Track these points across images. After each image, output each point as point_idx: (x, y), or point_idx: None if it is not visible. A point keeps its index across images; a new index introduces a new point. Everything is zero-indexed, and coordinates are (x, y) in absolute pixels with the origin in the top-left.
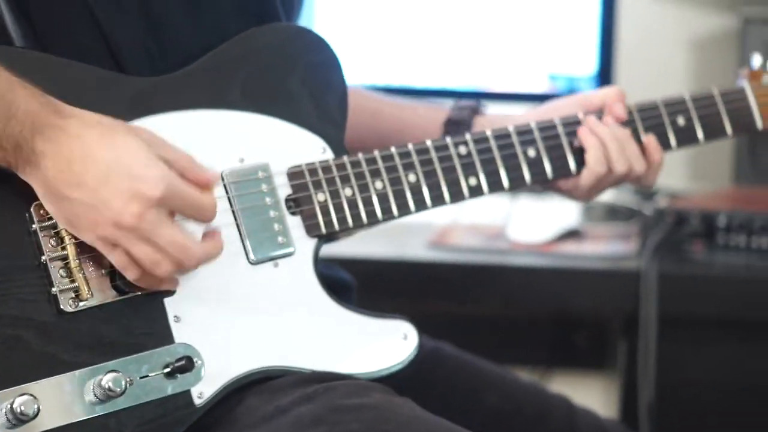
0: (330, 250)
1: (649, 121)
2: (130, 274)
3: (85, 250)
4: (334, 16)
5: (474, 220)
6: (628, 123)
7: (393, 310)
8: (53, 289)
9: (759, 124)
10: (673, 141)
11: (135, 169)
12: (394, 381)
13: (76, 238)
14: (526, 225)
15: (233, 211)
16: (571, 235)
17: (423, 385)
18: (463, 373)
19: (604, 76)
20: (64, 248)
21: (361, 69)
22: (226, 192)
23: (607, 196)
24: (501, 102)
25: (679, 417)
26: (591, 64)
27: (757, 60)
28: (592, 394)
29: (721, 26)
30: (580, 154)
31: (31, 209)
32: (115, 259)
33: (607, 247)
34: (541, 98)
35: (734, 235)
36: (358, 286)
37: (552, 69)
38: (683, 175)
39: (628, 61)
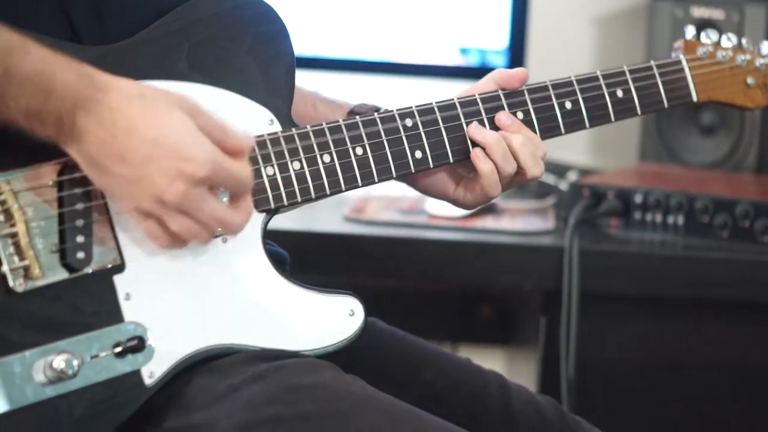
0: None
1: (588, 92)
2: (160, 243)
3: (35, 227)
4: None
5: (389, 192)
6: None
7: (309, 283)
8: (2, 268)
9: (695, 96)
10: (612, 113)
11: (181, 148)
12: (334, 358)
13: (26, 215)
14: None
15: None
16: (488, 210)
17: (358, 359)
18: (398, 348)
19: (515, 50)
20: (13, 225)
21: None
22: None
23: None
24: (412, 75)
25: (598, 393)
26: (503, 39)
27: (690, 31)
28: (503, 369)
29: (630, 3)
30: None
31: None
32: (148, 228)
33: (525, 223)
34: (451, 71)
35: (650, 212)
36: None
37: (463, 42)
38: (590, 151)
39: (538, 36)
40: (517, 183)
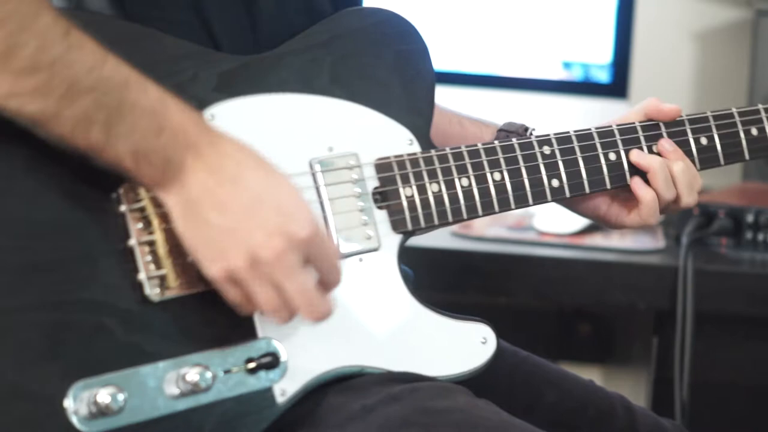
0: None
1: (723, 129)
2: (244, 312)
3: (174, 237)
4: None
5: None
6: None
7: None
8: (139, 276)
9: None
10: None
11: (286, 206)
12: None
13: (167, 223)
14: (553, 216)
15: (320, 203)
16: (596, 227)
17: (485, 381)
18: (522, 368)
19: (619, 64)
20: (152, 233)
21: None
22: (314, 182)
23: None
24: (515, 88)
25: (710, 415)
26: (607, 53)
27: None
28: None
29: (734, 18)
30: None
31: (120, 190)
32: (233, 296)
33: (634, 241)
34: (554, 85)
35: (762, 231)
36: None
37: (567, 56)
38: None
39: (642, 50)
40: (671, 211)
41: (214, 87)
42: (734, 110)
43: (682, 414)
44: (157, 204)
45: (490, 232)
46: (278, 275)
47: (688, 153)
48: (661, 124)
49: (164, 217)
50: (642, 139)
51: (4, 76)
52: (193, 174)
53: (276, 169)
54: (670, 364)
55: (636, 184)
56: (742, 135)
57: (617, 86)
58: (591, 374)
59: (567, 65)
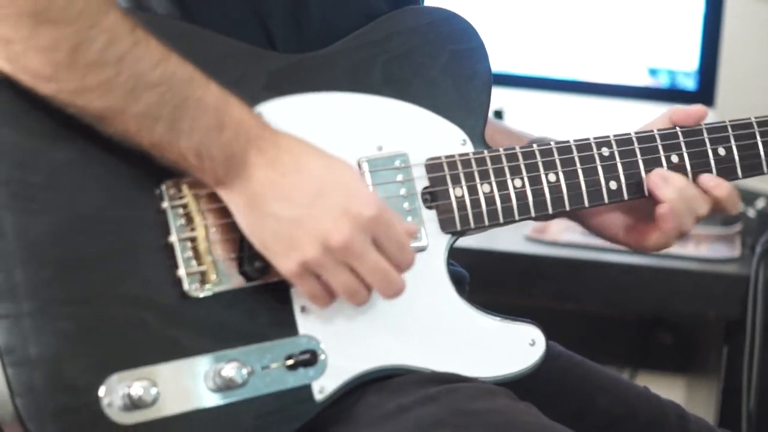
0: None
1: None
2: (320, 303)
3: (215, 233)
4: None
5: None
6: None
7: (486, 303)
8: (179, 271)
9: None
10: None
11: (349, 187)
12: (512, 382)
13: (206, 220)
14: None
15: None
16: None
17: (535, 384)
18: (575, 373)
19: (706, 72)
20: (193, 229)
21: None
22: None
23: None
24: (600, 94)
25: None
26: (693, 60)
27: None
28: (682, 398)
29: None
30: (727, 162)
31: (162, 187)
32: (310, 288)
33: (710, 249)
34: (640, 92)
35: None
36: None
37: (653, 62)
38: None
39: (730, 59)
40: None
41: (263, 86)
42: (753, 119)
43: (749, 424)
44: (200, 201)
45: (564, 236)
46: (351, 257)
47: (705, 164)
48: (679, 133)
49: (205, 214)
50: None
51: (73, 73)
52: (256, 169)
53: (334, 156)
54: (738, 374)
55: (661, 217)
56: (760, 147)
57: (704, 94)
58: (674, 385)
59: (653, 72)
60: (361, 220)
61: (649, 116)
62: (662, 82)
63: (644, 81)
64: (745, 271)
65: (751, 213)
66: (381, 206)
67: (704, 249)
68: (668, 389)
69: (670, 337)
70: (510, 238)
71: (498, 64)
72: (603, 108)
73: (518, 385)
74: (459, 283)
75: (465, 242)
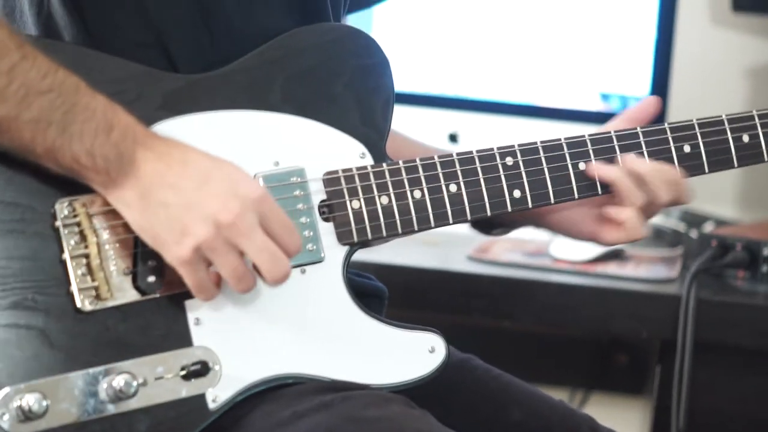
0: (368, 256)
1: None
2: (207, 294)
3: (108, 249)
4: (391, 28)
5: (519, 235)
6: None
7: (430, 320)
8: (71, 287)
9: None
10: (735, 159)
11: (234, 174)
12: (421, 391)
13: (100, 237)
14: (570, 243)
15: None
16: (615, 256)
17: (449, 396)
18: (491, 386)
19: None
20: (87, 246)
21: (416, 78)
22: None
23: (655, 220)
24: (552, 119)
25: None
26: (644, 85)
27: None
28: (627, 418)
29: None
30: None
31: (56, 206)
32: (197, 277)
33: (649, 270)
34: (592, 116)
35: None
36: (395, 295)
37: (605, 88)
38: (736, 203)
39: (683, 83)
40: (655, 212)
41: (158, 106)
42: (724, 117)
43: None
44: (92, 219)
45: (505, 256)
46: (239, 236)
47: (668, 159)
48: (640, 133)
49: (98, 232)
50: (617, 148)
51: None
52: (144, 163)
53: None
54: (670, 393)
55: (609, 210)
56: (731, 142)
57: (654, 118)
58: (627, 405)
59: (605, 97)
60: (247, 201)
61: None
62: (614, 106)
63: (597, 106)
64: (679, 292)
65: (694, 235)
66: (264, 190)
67: (643, 270)
68: (624, 410)
69: (626, 358)
70: (453, 258)
71: (453, 89)
72: (556, 132)
73: (432, 395)
74: (377, 297)
75: (404, 260)
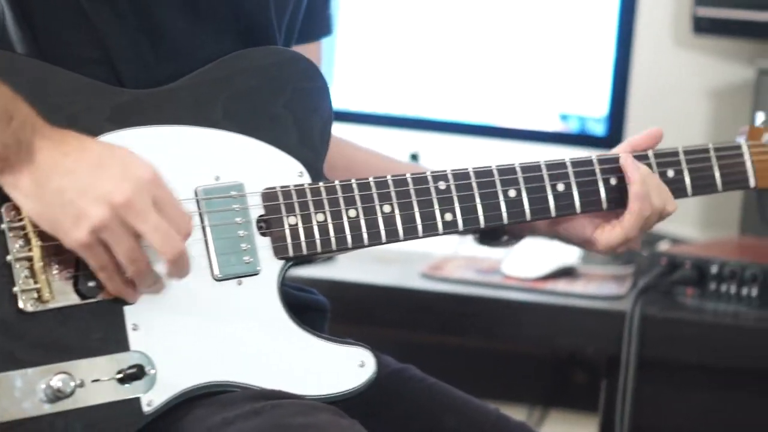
0: (321, 272)
1: None
2: (108, 276)
3: (51, 253)
4: (354, 49)
5: (474, 253)
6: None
7: (383, 337)
8: (15, 288)
9: (752, 182)
10: None
11: (128, 158)
12: (355, 401)
13: (43, 241)
14: (522, 260)
15: (203, 227)
16: (566, 273)
17: (384, 405)
18: (425, 395)
19: (615, 118)
20: (30, 249)
21: (378, 99)
22: (198, 208)
23: None
24: (512, 139)
25: None
26: (603, 106)
27: (760, 117)
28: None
29: (738, 77)
30: (565, 198)
31: (1, 209)
32: (98, 259)
33: (598, 288)
34: (551, 137)
35: (725, 283)
36: (348, 311)
37: (563, 108)
38: (694, 223)
39: (641, 105)
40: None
41: (106, 118)
42: (650, 152)
43: None
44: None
45: (457, 274)
46: (133, 216)
47: (543, 200)
48: (518, 169)
49: (42, 236)
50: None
51: None
52: (40, 152)
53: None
54: (614, 409)
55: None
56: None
57: (612, 139)
58: (584, 422)
59: (564, 117)
60: (140, 182)
61: None
62: (573, 127)
63: (556, 126)
64: (625, 309)
65: (645, 253)
66: (157, 172)
67: (593, 287)
68: (582, 428)
69: (584, 375)
70: (406, 274)
71: (415, 109)
72: (516, 152)
73: (366, 405)
74: (318, 310)
75: (359, 277)
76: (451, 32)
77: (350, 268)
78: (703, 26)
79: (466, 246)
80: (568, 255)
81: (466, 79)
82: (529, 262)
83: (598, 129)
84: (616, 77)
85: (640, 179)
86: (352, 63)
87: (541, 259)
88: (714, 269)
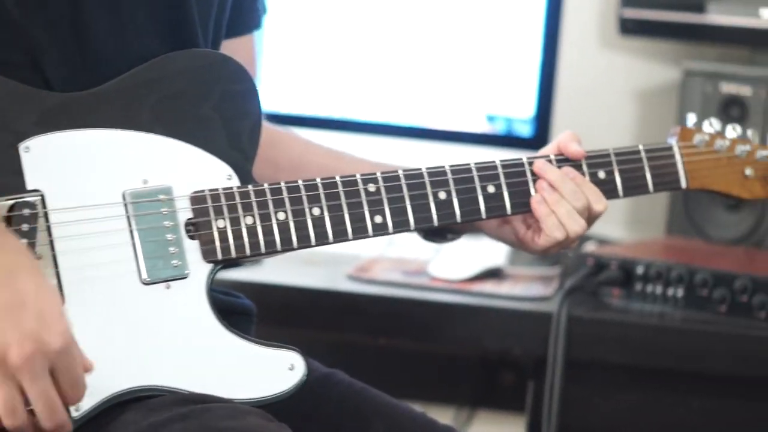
0: (248, 275)
1: None
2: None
3: None
4: (279, 50)
5: (401, 254)
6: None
7: (310, 339)
8: None
9: (683, 183)
10: None
11: (47, 314)
12: (284, 405)
13: None
14: (449, 262)
15: (130, 231)
16: (493, 274)
17: (311, 410)
18: (353, 400)
19: (542, 119)
20: None
21: (304, 101)
22: (126, 211)
23: None
24: (439, 140)
25: None
26: (530, 107)
27: (691, 119)
28: None
29: (664, 78)
30: (496, 199)
31: None
32: None
33: (525, 289)
34: (478, 138)
35: (651, 283)
36: (275, 314)
37: (490, 109)
38: (621, 223)
39: (568, 106)
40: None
41: (34, 121)
42: (641, 147)
43: None
44: None
45: (384, 275)
46: (24, 378)
47: (473, 200)
48: (448, 171)
49: None
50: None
51: None
52: None
53: (48, 281)
54: (541, 410)
55: (534, 200)
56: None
57: (539, 140)
58: (512, 422)
59: (491, 118)
60: (45, 348)
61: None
62: (499, 128)
63: (482, 127)
64: (552, 310)
65: (572, 254)
66: (70, 340)
67: (519, 288)
68: (509, 428)
69: (512, 376)
70: (333, 277)
71: (341, 111)
72: (443, 154)
73: (295, 409)
74: (244, 314)
75: (285, 279)
76: (376, 33)
77: (276, 270)
78: (629, 27)
79: (393, 248)
80: (495, 256)
81: (392, 80)
82: (456, 263)
83: (525, 130)
84: (543, 79)
85: (546, 185)
86: (276, 65)
87: (468, 260)
88: (640, 270)
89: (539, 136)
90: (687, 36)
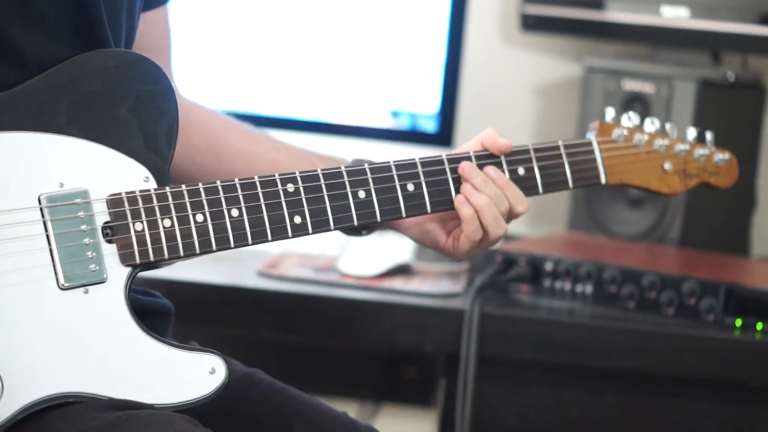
0: (158, 273)
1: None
2: None
3: None
4: (186, 43)
5: (308, 251)
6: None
7: (220, 336)
8: None
9: (603, 178)
10: None
11: None
12: (206, 407)
13: None
14: (358, 258)
15: (47, 236)
16: (401, 270)
17: (233, 411)
18: (274, 400)
19: (446, 115)
20: None
21: (209, 94)
22: (42, 216)
23: None
24: (344, 135)
25: None
26: (434, 103)
27: (610, 113)
28: (416, 430)
29: (566, 74)
30: (416, 198)
31: None
32: None
33: (434, 285)
34: (382, 133)
35: (560, 280)
36: (185, 311)
37: (395, 105)
38: (523, 218)
39: (472, 102)
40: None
41: None
42: (561, 142)
43: None
44: None
45: (293, 272)
46: None
47: (395, 200)
48: (367, 170)
49: None
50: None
51: None
52: None
53: None
54: (454, 406)
55: (459, 201)
56: (507, 175)
57: (443, 136)
58: (420, 416)
59: (395, 114)
60: None
61: (392, 156)
62: (404, 124)
63: (387, 123)
64: (463, 306)
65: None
66: None
67: (429, 285)
68: (414, 422)
69: (415, 371)
70: (242, 273)
71: (246, 105)
72: (348, 148)
73: (217, 410)
74: (162, 314)
75: (194, 276)
76: (281, 28)
77: (186, 267)
78: (530, 24)
79: (300, 243)
80: (402, 252)
81: (297, 75)
82: (365, 260)
83: (430, 126)
84: (447, 74)
85: (470, 188)
86: (182, 59)
87: (377, 257)
88: (549, 266)
89: (443, 132)
90: (587, 33)
